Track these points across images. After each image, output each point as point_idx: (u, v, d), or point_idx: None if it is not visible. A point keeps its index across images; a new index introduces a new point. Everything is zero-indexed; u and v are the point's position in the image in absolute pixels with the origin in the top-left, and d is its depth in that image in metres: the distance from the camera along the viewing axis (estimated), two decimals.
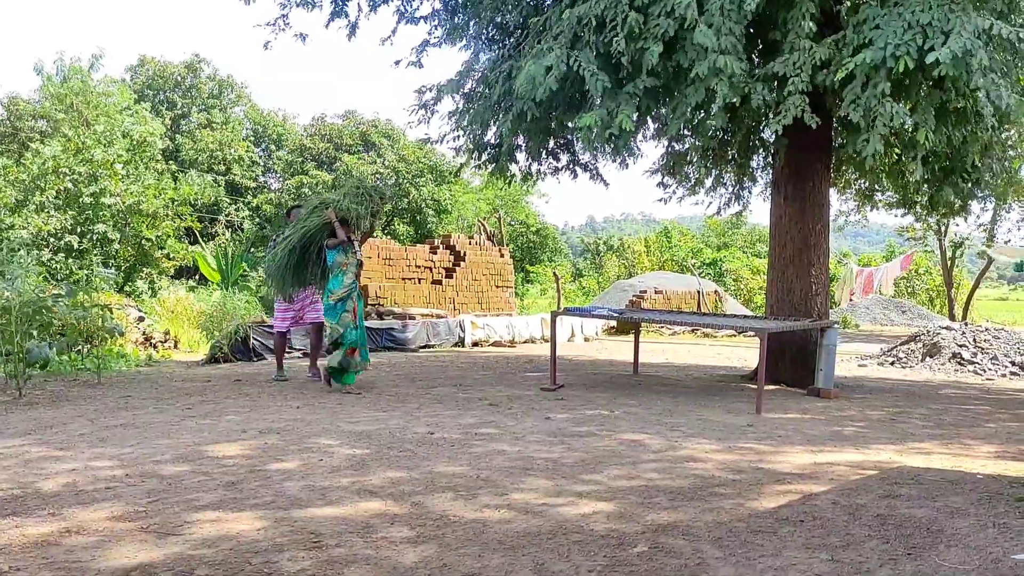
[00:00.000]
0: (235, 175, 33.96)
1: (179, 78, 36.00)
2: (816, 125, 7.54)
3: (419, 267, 17.51)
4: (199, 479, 4.44)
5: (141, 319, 13.35)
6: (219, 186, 31.30)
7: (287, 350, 11.94)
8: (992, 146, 10.08)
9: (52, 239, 18.14)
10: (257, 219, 33.61)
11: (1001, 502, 4.25)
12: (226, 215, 33.29)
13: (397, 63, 10.41)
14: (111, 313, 9.55)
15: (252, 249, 29.78)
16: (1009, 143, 11.39)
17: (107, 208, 18.43)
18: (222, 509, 3.86)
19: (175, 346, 13.27)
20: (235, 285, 23.93)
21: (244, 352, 11.47)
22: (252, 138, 37.82)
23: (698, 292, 22.47)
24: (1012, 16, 7.54)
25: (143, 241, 19.20)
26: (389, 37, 10.83)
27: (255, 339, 11.60)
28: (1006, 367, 12.34)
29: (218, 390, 8.35)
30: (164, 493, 4.13)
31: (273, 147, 37.59)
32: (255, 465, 4.79)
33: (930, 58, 6.61)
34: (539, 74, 7.42)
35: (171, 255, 20.23)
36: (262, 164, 37.35)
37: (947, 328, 14.45)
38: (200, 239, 27.98)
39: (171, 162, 29.95)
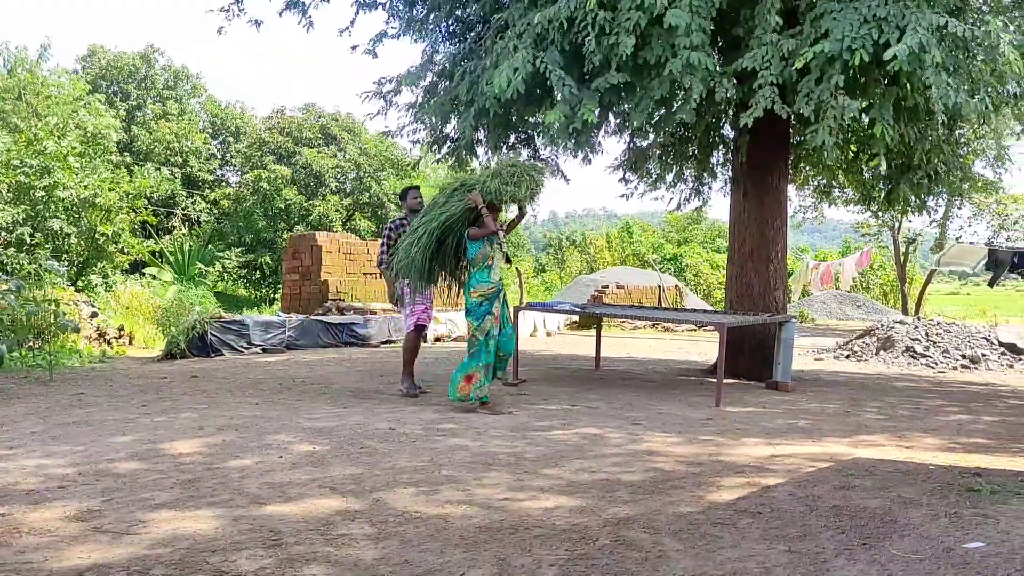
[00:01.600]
0: (192, 167, 33.37)
1: (133, 68, 35.22)
2: (786, 115, 7.62)
3: None
4: (155, 477, 4.36)
5: (95, 314, 13.06)
6: (175, 179, 30.75)
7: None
8: (944, 143, 10.28)
9: (4, 232, 17.66)
10: (215, 213, 33.07)
11: (952, 492, 4.36)
12: (183, 209, 32.71)
13: (354, 48, 10.20)
14: (61, 308, 9.30)
15: (209, 245, 29.33)
16: (963, 140, 11.61)
17: (60, 202, 17.98)
18: (179, 508, 3.80)
19: (130, 342, 13.01)
20: (191, 280, 23.54)
21: (201, 347, 11.28)
22: (210, 130, 37.17)
23: (659, 287, 22.64)
24: (964, 14, 7.67)
25: (97, 235, 18.77)
26: (347, 28, 10.65)
27: (212, 334, 11.41)
28: (957, 360, 12.64)
29: (174, 386, 8.20)
30: (119, 492, 4.04)
31: (231, 140, 36.94)
32: (212, 463, 4.72)
33: (887, 54, 6.72)
34: (510, 77, 7.38)
35: (125, 249, 19.81)
36: (220, 157, 36.73)
37: (900, 322, 14.76)
38: (156, 233, 27.46)
39: (126, 154, 29.28)
